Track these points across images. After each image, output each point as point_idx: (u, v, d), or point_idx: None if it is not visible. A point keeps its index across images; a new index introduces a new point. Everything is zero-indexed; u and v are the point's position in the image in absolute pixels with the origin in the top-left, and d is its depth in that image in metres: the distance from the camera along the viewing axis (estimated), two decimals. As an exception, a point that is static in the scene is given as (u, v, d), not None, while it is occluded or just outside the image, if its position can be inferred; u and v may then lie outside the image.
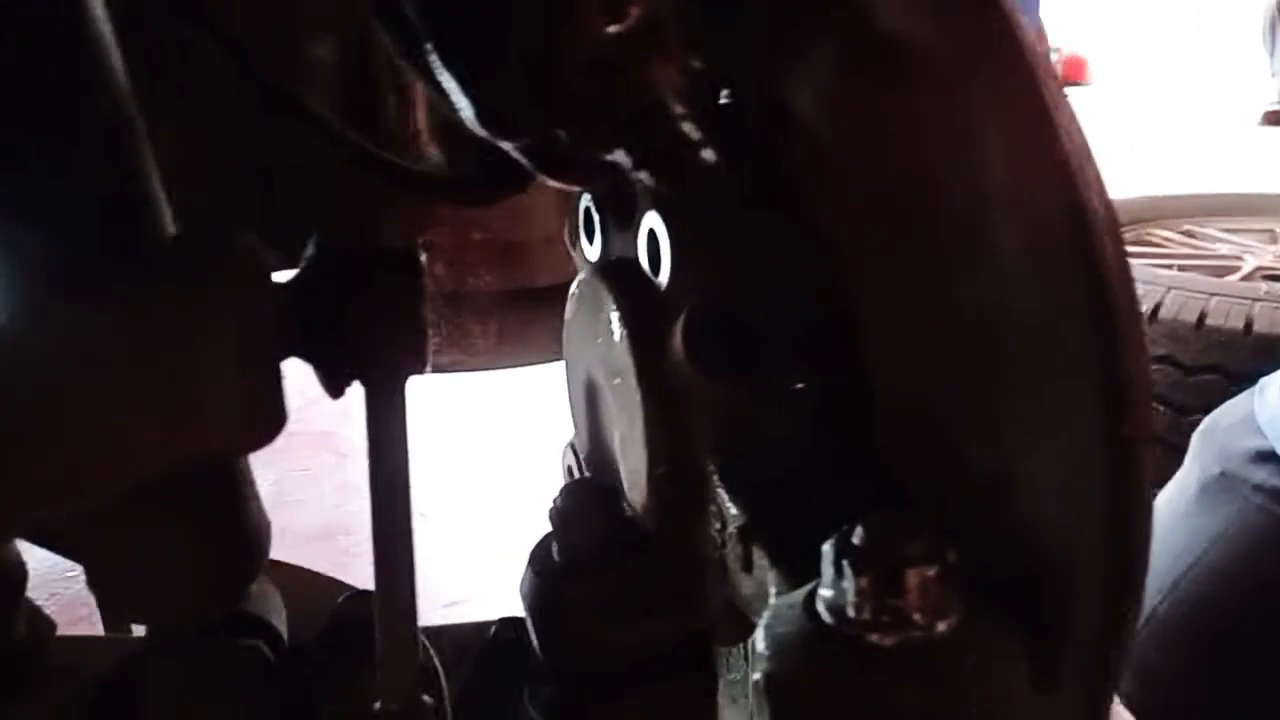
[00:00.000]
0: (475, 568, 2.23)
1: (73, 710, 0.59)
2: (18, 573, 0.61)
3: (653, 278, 0.63)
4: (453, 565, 2.31)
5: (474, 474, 2.91)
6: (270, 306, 0.43)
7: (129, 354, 0.38)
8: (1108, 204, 0.41)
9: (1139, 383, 0.40)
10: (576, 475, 0.84)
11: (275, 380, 0.44)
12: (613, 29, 0.42)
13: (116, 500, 0.44)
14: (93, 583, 0.63)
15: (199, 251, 0.42)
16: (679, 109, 0.48)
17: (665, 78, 0.47)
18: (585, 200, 0.74)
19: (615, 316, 0.64)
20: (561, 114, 0.47)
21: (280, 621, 0.68)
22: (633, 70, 0.45)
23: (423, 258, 0.53)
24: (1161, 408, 2.26)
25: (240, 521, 0.59)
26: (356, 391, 0.59)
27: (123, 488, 0.39)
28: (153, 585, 0.58)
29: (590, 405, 0.76)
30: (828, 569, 0.43)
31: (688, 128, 0.49)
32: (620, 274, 0.64)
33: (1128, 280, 0.41)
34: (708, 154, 0.50)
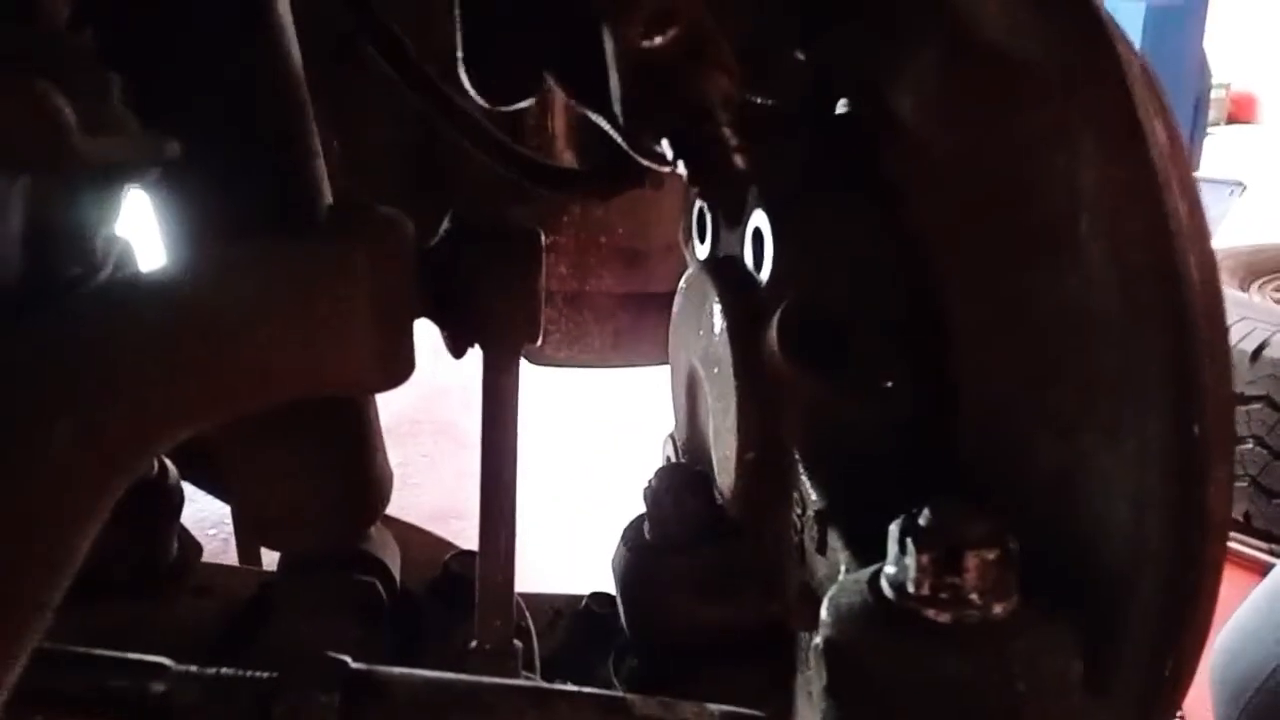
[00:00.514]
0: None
1: (213, 621, 0.67)
2: (177, 496, 0.70)
3: (755, 275, 0.66)
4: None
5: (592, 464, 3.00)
6: (406, 268, 0.49)
7: (284, 295, 0.45)
8: (1196, 214, 0.43)
9: (1212, 390, 0.41)
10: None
11: (406, 332, 0.50)
12: (648, 44, 0.48)
13: (263, 427, 0.50)
14: (240, 514, 0.72)
15: (349, 217, 0.48)
16: (723, 115, 0.53)
17: (710, 88, 0.52)
18: (699, 202, 0.78)
19: (717, 310, 0.68)
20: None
21: (395, 566, 0.75)
22: (675, 79, 0.50)
23: (543, 240, 0.59)
24: (1260, 449, 2.19)
25: (367, 467, 0.66)
26: (478, 384, 0.65)
27: (275, 402, 0.46)
28: (289, 516, 0.66)
29: (690, 394, 0.80)
30: (893, 547, 0.45)
31: (727, 132, 0.54)
32: (723, 270, 0.68)
33: (1212, 290, 0.42)
34: (739, 159, 0.55)
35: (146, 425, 0.39)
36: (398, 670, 0.44)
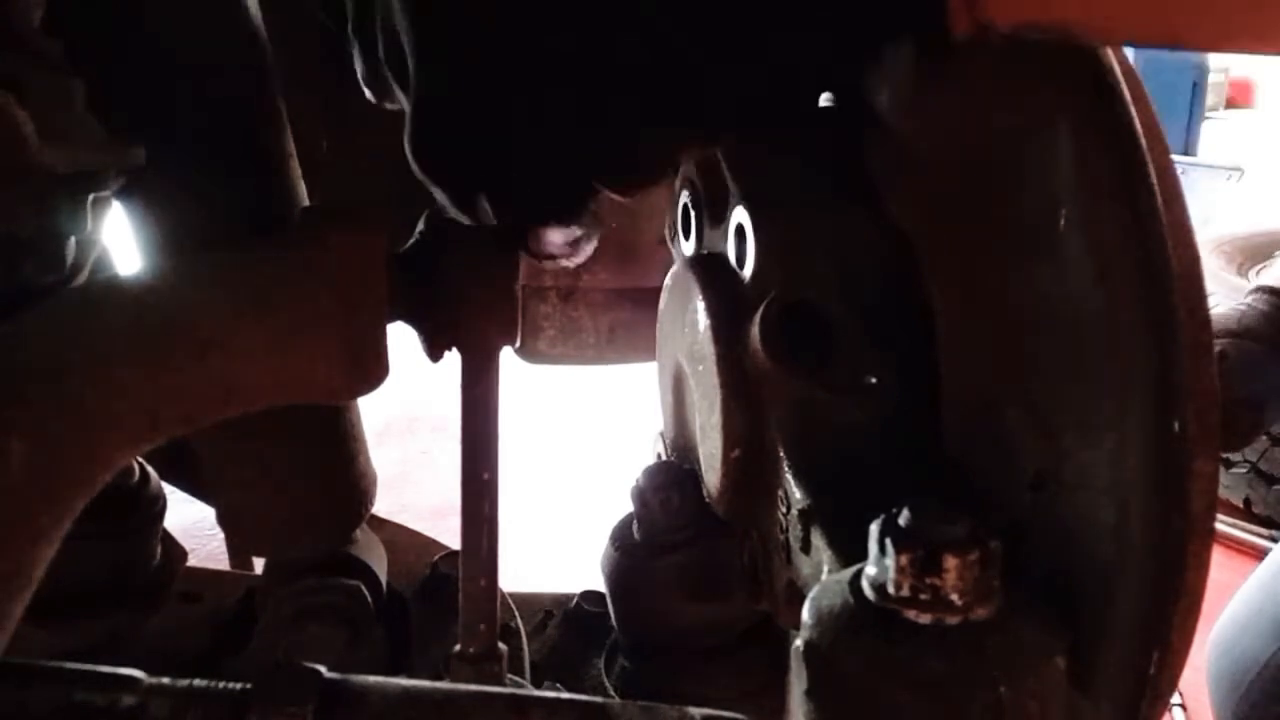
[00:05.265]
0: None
1: (199, 628, 0.66)
2: (159, 503, 0.70)
3: (738, 271, 0.65)
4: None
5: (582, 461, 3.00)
6: (377, 272, 0.49)
7: (250, 304, 0.44)
8: (1176, 206, 0.42)
9: (1194, 383, 0.40)
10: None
11: (378, 336, 0.49)
12: None
13: (241, 431, 0.50)
14: (222, 519, 0.71)
15: (319, 222, 0.48)
16: None
17: None
18: (684, 198, 0.77)
19: (700, 307, 0.67)
20: None
21: (381, 569, 0.75)
22: None
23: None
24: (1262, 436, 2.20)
25: (349, 470, 0.65)
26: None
27: (242, 413, 0.45)
28: (269, 521, 0.65)
29: (677, 392, 0.79)
30: (873, 547, 0.45)
31: None
32: (706, 266, 0.68)
33: (1193, 282, 0.41)
34: None
35: (107, 441, 0.39)
36: (373, 679, 0.43)
